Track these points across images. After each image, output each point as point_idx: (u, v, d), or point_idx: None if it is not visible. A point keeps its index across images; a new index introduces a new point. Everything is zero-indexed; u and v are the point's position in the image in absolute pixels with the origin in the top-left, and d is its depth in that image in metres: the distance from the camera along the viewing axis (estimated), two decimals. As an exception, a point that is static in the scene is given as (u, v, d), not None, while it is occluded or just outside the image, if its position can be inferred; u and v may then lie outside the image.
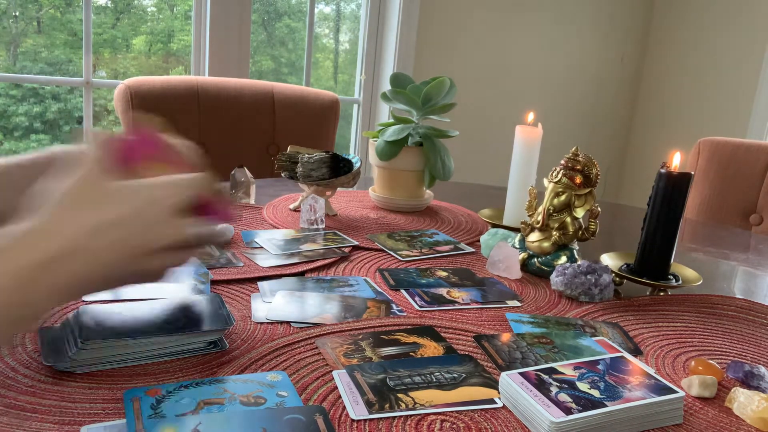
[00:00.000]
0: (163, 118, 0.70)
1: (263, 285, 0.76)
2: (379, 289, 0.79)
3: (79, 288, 0.49)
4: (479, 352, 0.64)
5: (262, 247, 0.90)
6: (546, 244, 0.88)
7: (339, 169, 1.06)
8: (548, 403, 0.51)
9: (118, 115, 1.50)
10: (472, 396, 0.55)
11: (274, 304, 0.71)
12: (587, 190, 0.87)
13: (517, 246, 0.92)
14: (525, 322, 0.72)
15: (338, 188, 1.12)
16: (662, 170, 0.83)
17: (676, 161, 0.83)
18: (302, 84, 2.41)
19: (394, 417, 0.51)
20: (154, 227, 0.50)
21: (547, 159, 1.16)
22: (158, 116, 1.58)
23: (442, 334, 0.67)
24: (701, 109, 2.99)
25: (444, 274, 0.85)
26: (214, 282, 0.76)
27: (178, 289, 0.71)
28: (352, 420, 0.50)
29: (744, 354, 0.70)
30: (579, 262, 0.82)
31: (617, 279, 0.86)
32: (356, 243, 0.95)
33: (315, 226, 1.00)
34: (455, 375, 0.58)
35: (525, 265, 0.89)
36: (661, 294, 0.85)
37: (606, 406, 0.51)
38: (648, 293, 0.86)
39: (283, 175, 1.07)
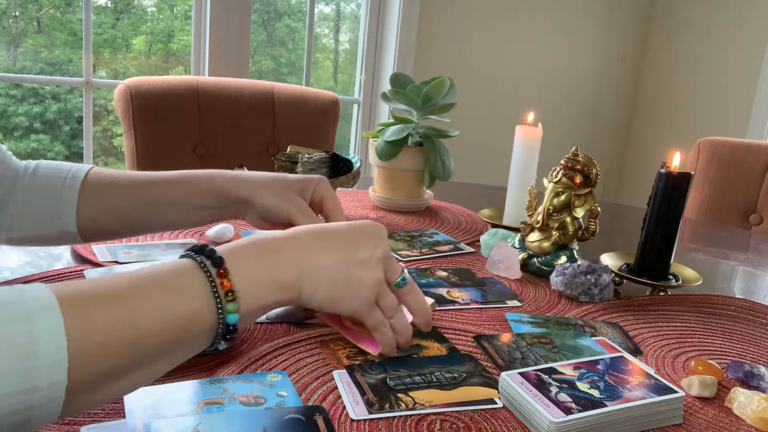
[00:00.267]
0: (163, 118, 0.71)
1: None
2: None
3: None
4: (479, 352, 0.64)
5: (262, 247, 0.89)
6: (546, 244, 0.88)
7: (339, 169, 1.06)
8: (548, 403, 0.51)
9: (118, 115, 1.50)
10: (472, 396, 0.55)
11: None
12: (587, 190, 0.87)
13: (517, 246, 0.92)
14: (525, 322, 0.72)
15: (338, 188, 1.12)
16: (662, 170, 0.83)
17: (676, 161, 0.83)
18: (302, 84, 2.41)
19: (394, 417, 0.51)
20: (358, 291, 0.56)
21: (547, 159, 1.16)
22: (158, 116, 1.58)
23: (443, 335, 0.67)
24: (701, 109, 2.99)
25: (444, 274, 0.85)
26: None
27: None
28: (352, 420, 0.50)
29: (744, 354, 0.70)
30: (579, 262, 0.82)
31: (617, 279, 0.86)
32: (356, 243, 0.95)
33: (315, 226, 1.00)
34: (455, 375, 0.58)
35: (525, 265, 0.89)
36: (661, 294, 0.85)
37: (606, 406, 0.51)
38: (648, 293, 0.86)
39: (283, 175, 1.07)
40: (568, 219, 0.87)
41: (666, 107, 3.14)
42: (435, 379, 0.57)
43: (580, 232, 0.88)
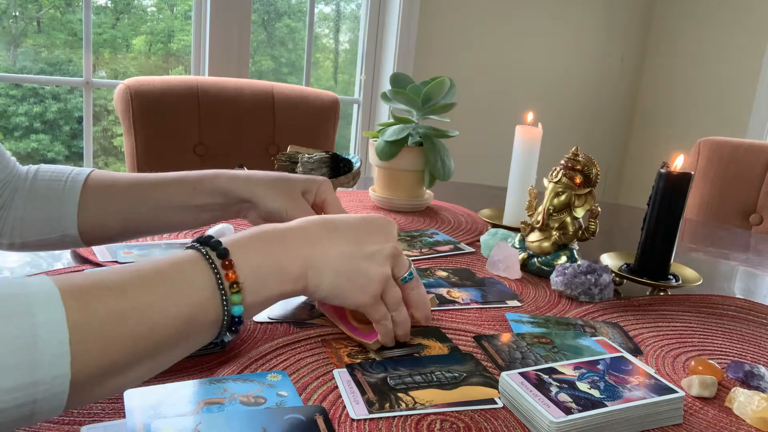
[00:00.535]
0: (163, 118, 0.71)
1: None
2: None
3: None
4: (479, 352, 0.64)
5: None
6: (546, 244, 0.88)
7: (339, 169, 1.06)
8: (548, 403, 0.51)
9: (118, 115, 1.50)
10: (473, 396, 0.55)
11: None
12: (587, 190, 0.87)
13: (517, 246, 0.92)
14: (525, 322, 0.72)
15: (338, 188, 1.12)
16: (662, 170, 0.83)
17: (678, 163, 0.82)
18: (302, 84, 2.41)
19: (394, 416, 0.51)
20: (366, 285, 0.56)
21: (547, 159, 1.16)
22: (158, 116, 1.58)
23: (445, 334, 0.67)
24: (701, 109, 2.99)
25: (444, 274, 0.85)
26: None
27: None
28: (352, 420, 0.50)
29: (744, 354, 0.70)
30: (579, 262, 0.82)
31: (617, 279, 0.86)
32: (356, 243, 0.95)
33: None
34: (456, 374, 0.58)
35: (525, 265, 0.89)
36: (661, 294, 0.85)
37: (606, 406, 0.51)
38: (648, 293, 0.86)
39: (283, 175, 1.07)
40: (568, 219, 0.87)
41: (666, 107, 3.14)
42: (435, 379, 0.57)
43: (580, 232, 0.88)
